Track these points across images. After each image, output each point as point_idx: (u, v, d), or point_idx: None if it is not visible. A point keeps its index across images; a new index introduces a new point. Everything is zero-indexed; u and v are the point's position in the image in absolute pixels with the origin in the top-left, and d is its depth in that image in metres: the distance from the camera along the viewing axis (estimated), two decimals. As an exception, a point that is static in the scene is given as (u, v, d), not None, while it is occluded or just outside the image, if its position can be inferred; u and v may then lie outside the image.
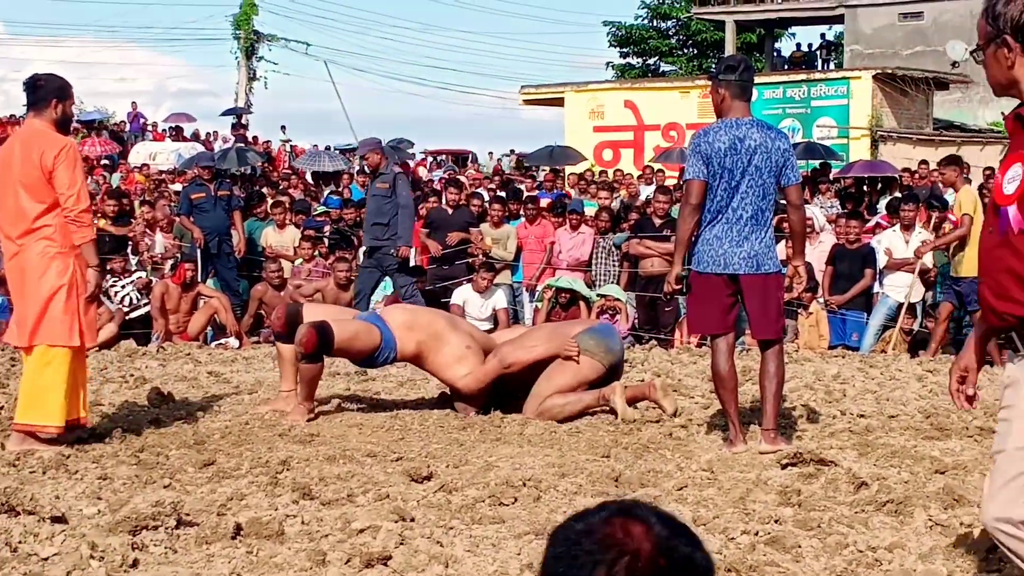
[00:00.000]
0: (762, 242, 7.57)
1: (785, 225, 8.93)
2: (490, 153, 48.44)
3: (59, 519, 5.76)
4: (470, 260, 15.72)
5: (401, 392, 10.19)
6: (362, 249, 15.27)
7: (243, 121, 41.00)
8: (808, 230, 15.26)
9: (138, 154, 33.82)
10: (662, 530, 1.96)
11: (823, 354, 12.86)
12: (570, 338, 8.98)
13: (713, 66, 41.26)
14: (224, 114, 42.33)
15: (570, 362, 8.92)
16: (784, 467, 7.12)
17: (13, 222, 7.86)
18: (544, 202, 18.05)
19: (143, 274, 15.22)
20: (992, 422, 8.46)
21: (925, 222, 14.84)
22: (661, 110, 32.52)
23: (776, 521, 5.96)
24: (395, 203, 13.65)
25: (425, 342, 8.99)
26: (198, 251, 15.17)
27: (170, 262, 15.17)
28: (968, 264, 12.39)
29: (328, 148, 37.49)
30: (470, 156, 47.47)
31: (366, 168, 14.77)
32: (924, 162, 22.38)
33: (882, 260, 14.31)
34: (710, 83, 7.89)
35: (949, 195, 15.90)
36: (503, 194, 19.90)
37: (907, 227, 14.39)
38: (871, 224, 16.18)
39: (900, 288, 14.06)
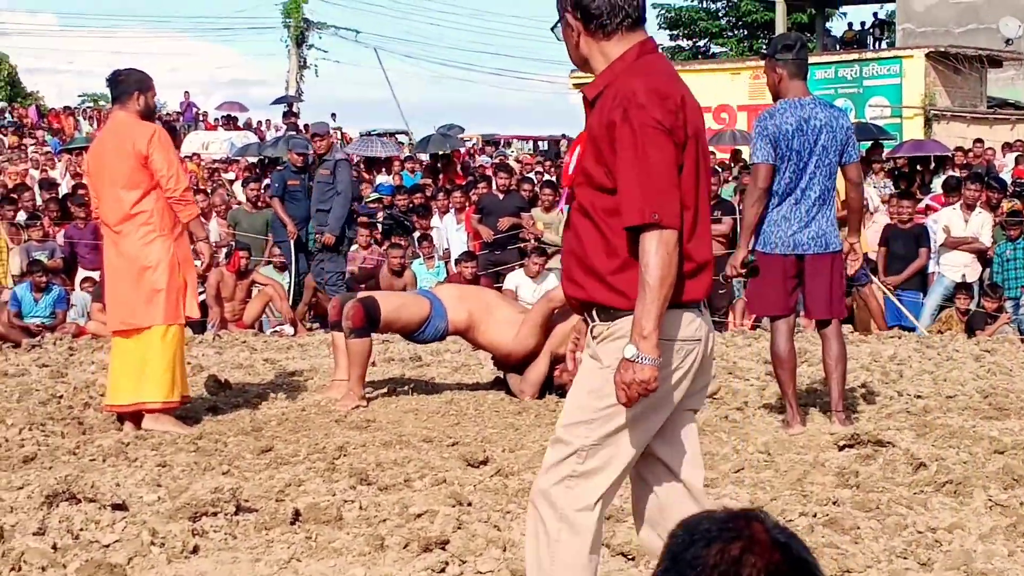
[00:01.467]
0: (828, 221, 7.55)
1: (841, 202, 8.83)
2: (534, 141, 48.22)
3: (119, 506, 5.81)
4: (522, 245, 15.72)
5: (456, 377, 10.21)
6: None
7: (294, 109, 41.10)
8: (863, 210, 15.22)
9: (191, 143, 33.96)
10: (780, 532, 2.00)
11: (879, 335, 12.77)
12: None
13: (766, 46, 40.93)
14: (275, 103, 42.47)
15: None
16: (841, 449, 7.09)
17: (111, 211, 8.23)
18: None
19: (198, 263, 15.28)
20: (1053, 402, 8.42)
21: (984, 202, 14.71)
22: (711, 92, 32.32)
23: (834, 503, 5.94)
24: (334, 189, 13.38)
25: (477, 310, 9.00)
26: (291, 241, 15.22)
27: (224, 250, 15.23)
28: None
29: (380, 134, 37.53)
30: (562, 140, 47.09)
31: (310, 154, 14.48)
32: (979, 140, 22.17)
33: (940, 238, 14.22)
34: (765, 63, 7.80)
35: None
36: (554, 179, 19.88)
37: (968, 206, 14.28)
38: (922, 204, 16.04)
39: (956, 267, 13.96)
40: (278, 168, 17.31)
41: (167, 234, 8.22)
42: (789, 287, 7.65)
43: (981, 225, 14.17)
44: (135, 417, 8.09)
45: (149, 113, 8.56)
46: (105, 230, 8.45)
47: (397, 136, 40.58)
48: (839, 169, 7.61)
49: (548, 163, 26.59)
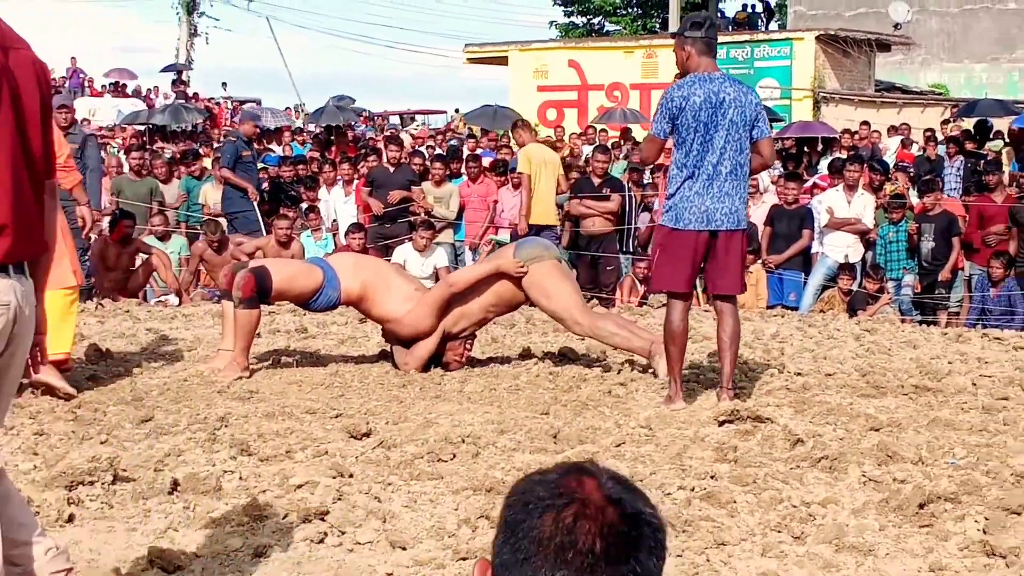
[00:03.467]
0: (740, 197, 7.57)
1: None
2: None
3: (-6, 475, 5.72)
4: (412, 219, 15.69)
5: (342, 349, 10.17)
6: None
7: (183, 78, 40.64)
8: (752, 190, 15.39)
9: (77, 110, 33.47)
10: (614, 486, 2.02)
11: (762, 313, 12.93)
12: (510, 258, 8.99)
13: (659, 25, 41.13)
14: (164, 70, 42.02)
15: (534, 278, 8.91)
16: (721, 424, 7.16)
17: None
18: (486, 161, 18.02)
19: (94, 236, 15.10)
20: (928, 380, 8.58)
21: (867, 184, 14.94)
22: (605, 70, 32.48)
23: (712, 477, 6.01)
24: (83, 165, 13.16)
25: (371, 281, 8.95)
26: (255, 205, 15.29)
27: (108, 219, 15.04)
28: (535, 215, 14.61)
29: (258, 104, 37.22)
30: (447, 115, 46.90)
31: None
32: (865, 123, 22.52)
33: (823, 219, 14.44)
34: (675, 41, 7.80)
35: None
36: (443, 152, 19.87)
37: (851, 187, 14.51)
38: (808, 185, 16.27)
39: (839, 248, 14.19)
40: (229, 139, 17.20)
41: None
42: (696, 264, 7.68)
43: (864, 207, 14.42)
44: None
45: None
46: None
47: (296, 108, 40.35)
48: (751, 145, 7.64)
49: (440, 137, 26.54)
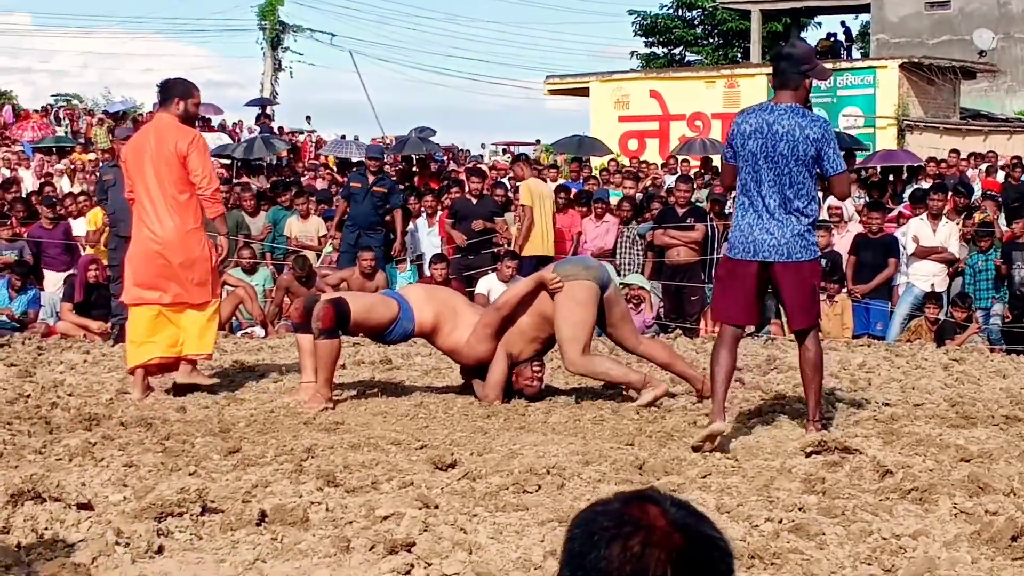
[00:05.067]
0: (793, 231, 7.40)
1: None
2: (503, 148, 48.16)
3: (85, 506, 5.78)
4: (495, 250, 15.73)
5: (426, 380, 10.20)
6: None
7: (268, 111, 41.04)
8: (837, 220, 15.29)
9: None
10: (677, 512, 2.00)
11: (848, 343, 12.83)
12: (549, 273, 9.06)
13: (740, 55, 40.94)
14: (249, 104, 42.40)
15: (562, 295, 8.91)
16: (808, 455, 7.10)
17: (152, 199, 9.43)
18: (572, 192, 18.06)
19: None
20: (1019, 410, 8.46)
21: (952, 210, 14.79)
22: (686, 100, 32.48)
23: (800, 509, 5.95)
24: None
25: (443, 313, 9.03)
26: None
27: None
28: (530, 246, 15.14)
29: (356, 138, 37.49)
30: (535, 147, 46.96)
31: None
32: (954, 151, 22.30)
33: (909, 248, 14.29)
34: None
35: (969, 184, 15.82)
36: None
37: (935, 216, 14.36)
38: (893, 214, 16.11)
39: (925, 277, 14.04)
40: (354, 170, 17.58)
41: (200, 227, 9.51)
42: (750, 296, 7.62)
43: (948, 235, 14.26)
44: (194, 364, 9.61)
45: (189, 118, 9.69)
46: (140, 214, 9.55)
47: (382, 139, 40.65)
48: (824, 181, 7.64)
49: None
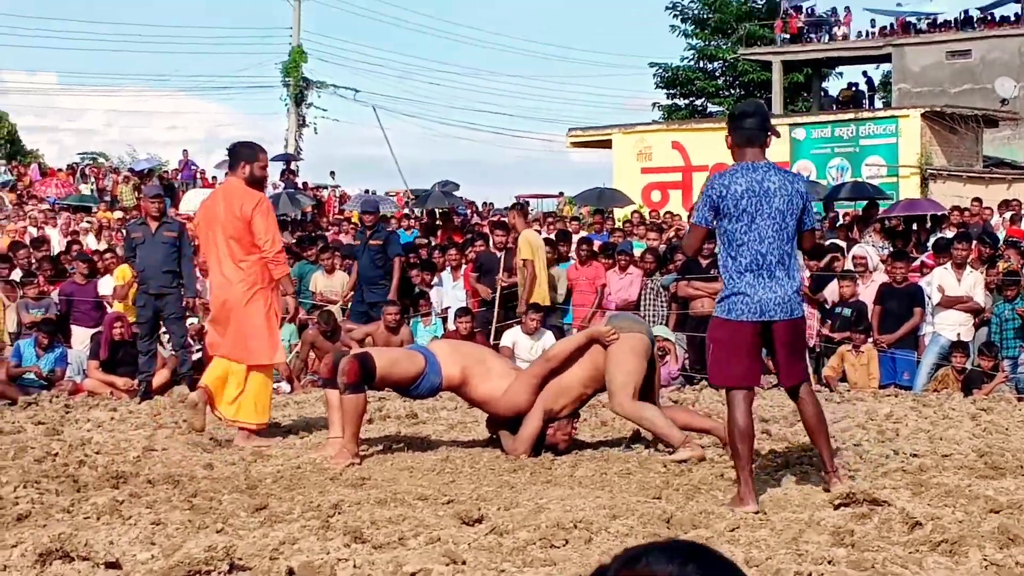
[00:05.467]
0: (792, 287, 7.35)
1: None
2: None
3: (113, 564, 5.79)
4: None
5: (452, 435, 10.21)
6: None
7: (292, 167, 41.27)
8: (862, 269, 15.28)
9: (189, 201, 34.07)
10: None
11: (875, 393, 12.80)
12: (602, 327, 9.12)
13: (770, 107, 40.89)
14: (273, 160, 42.62)
15: (616, 345, 8.96)
16: (837, 507, 7.07)
17: (220, 261, 9.96)
18: (596, 244, 18.09)
19: (195, 320, 15.33)
20: (1048, 462, 8.41)
21: (976, 259, 14.76)
22: (709, 150, 32.51)
23: (829, 562, 5.92)
24: (179, 254, 13.43)
25: (470, 367, 9.04)
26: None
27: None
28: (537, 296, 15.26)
29: (374, 192, 37.68)
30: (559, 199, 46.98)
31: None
32: (977, 199, 22.28)
33: (935, 298, 14.26)
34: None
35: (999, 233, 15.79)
36: (551, 236, 19.95)
37: (959, 265, 14.34)
38: (916, 263, 16.06)
39: (951, 326, 14.01)
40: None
41: (266, 287, 9.98)
42: (754, 357, 7.45)
43: (974, 284, 14.23)
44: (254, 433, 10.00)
45: (255, 180, 10.12)
46: (212, 278, 10.27)
47: (404, 195, 40.82)
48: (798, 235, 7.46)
49: (548, 220, 26.65)
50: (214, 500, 7.51)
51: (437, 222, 25.66)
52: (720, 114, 50.56)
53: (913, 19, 46.43)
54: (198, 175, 41.33)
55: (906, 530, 6.52)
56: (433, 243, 21.17)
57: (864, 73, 48.39)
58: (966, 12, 45.26)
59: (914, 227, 20.57)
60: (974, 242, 15.27)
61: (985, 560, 5.92)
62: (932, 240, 18.10)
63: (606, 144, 34.99)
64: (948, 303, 14.16)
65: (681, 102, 55.38)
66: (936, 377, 13.65)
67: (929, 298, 14.40)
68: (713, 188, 7.29)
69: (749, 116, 7.44)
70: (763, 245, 7.27)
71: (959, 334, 13.92)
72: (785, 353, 7.46)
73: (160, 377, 13.38)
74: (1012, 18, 43.75)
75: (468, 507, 7.13)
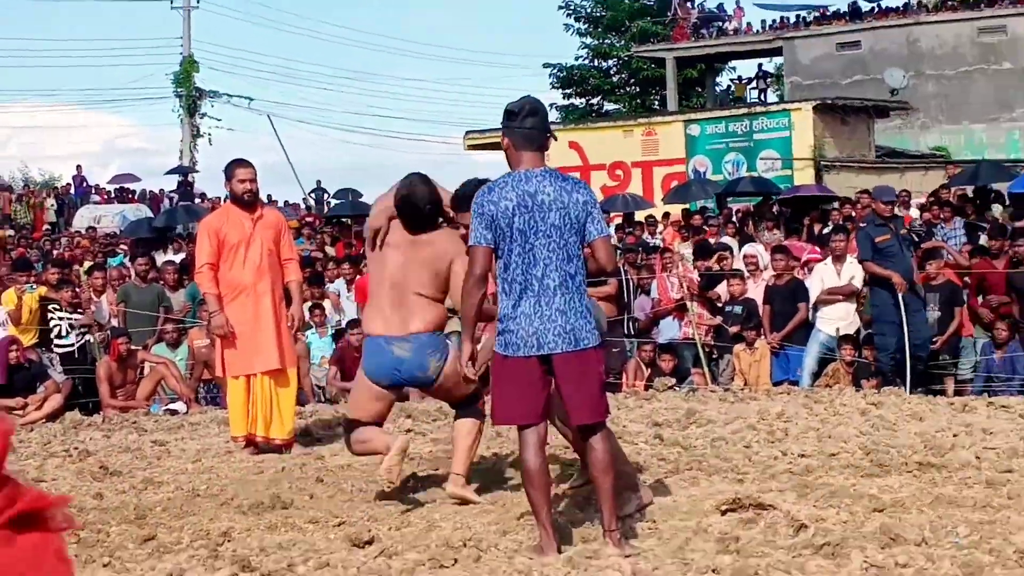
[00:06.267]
0: (577, 313, 6.46)
1: None
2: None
3: (-5, 606, 5.71)
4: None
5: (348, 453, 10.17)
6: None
7: (189, 179, 40.93)
8: (752, 268, 15.43)
9: (83, 218, 33.74)
10: None
11: (768, 391, 12.93)
12: None
13: (657, 103, 41.12)
14: (169, 173, 42.29)
15: None
16: (724, 513, 7.14)
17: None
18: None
19: (90, 338, 15.20)
20: (932, 456, 8.57)
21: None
22: (606, 149, 32.73)
23: (714, 571, 5.98)
24: None
25: None
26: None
27: (102, 337, 15.13)
28: None
29: (274, 201, 37.49)
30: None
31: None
32: (865, 191, 22.50)
33: (814, 294, 14.41)
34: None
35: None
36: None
37: (838, 258, 14.49)
38: (803, 261, 16.11)
39: (832, 320, 14.14)
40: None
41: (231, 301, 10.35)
42: (538, 391, 6.52)
43: (852, 274, 14.33)
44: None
45: (236, 198, 10.47)
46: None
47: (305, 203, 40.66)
48: (585, 249, 6.59)
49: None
50: (102, 532, 7.43)
51: (336, 233, 25.56)
52: (616, 112, 50.92)
53: (803, 12, 46.97)
54: (91, 190, 40.84)
55: (791, 533, 6.61)
56: (331, 255, 21.11)
57: (760, 66, 48.89)
58: (854, 3, 45.83)
59: (805, 221, 20.76)
60: (851, 234, 15.51)
61: (866, 562, 6.01)
62: (826, 231, 18.29)
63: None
64: (827, 294, 14.28)
65: (578, 101, 55.60)
66: (827, 372, 13.82)
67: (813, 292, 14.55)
68: (483, 206, 6.46)
69: (530, 113, 6.61)
70: (539, 268, 6.42)
71: (838, 328, 14.03)
72: (571, 389, 6.51)
73: (52, 403, 13.20)
74: (900, 8, 44.37)
75: (359, 529, 7.13)
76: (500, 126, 6.76)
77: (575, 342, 6.42)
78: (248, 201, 10.44)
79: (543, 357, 6.44)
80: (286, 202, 42.28)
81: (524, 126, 6.56)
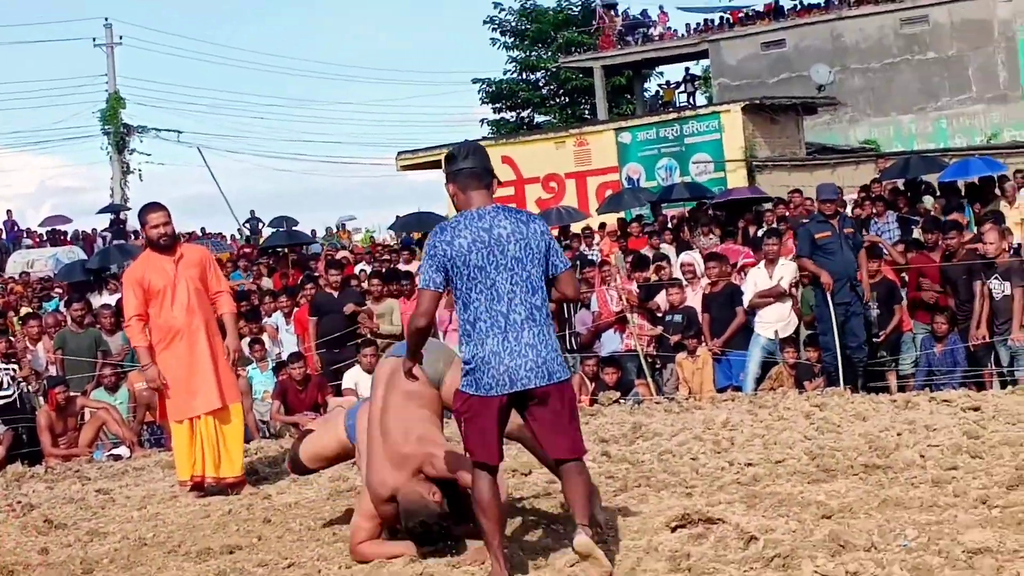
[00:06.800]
0: (547, 346, 6.37)
1: None
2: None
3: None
4: (360, 341, 15.60)
5: (296, 489, 10.09)
6: None
7: (121, 216, 40.61)
8: (690, 276, 15.44)
9: (15, 263, 33.36)
10: None
11: (713, 399, 12.95)
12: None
13: (588, 112, 41.17)
14: (101, 211, 41.93)
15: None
16: (674, 530, 7.12)
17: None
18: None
19: (27, 388, 15.05)
20: (877, 457, 8.59)
21: (789, 253, 14.98)
22: (538, 163, 32.73)
23: (666, 591, 5.97)
24: None
25: None
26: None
27: (35, 386, 14.98)
28: None
29: (207, 234, 37.29)
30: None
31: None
32: (797, 191, 22.61)
33: (747, 297, 14.44)
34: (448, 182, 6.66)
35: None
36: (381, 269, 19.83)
37: (771, 261, 14.52)
38: (738, 267, 16.13)
39: (770, 324, 14.16)
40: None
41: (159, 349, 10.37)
42: (500, 430, 6.42)
43: (783, 276, 14.35)
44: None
45: (152, 244, 10.48)
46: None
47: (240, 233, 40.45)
48: (547, 282, 6.51)
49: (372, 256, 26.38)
50: (49, 590, 7.34)
51: (272, 263, 25.41)
52: (547, 123, 50.99)
53: (725, 14, 47.22)
54: (24, 234, 40.41)
55: (741, 547, 6.60)
56: (267, 286, 20.98)
57: (687, 70, 49.06)
58: (777, 2, 46.12)
59: (740, 224, 20.82)
60: (784, 236, 15.57)
61: (816, 571, 6.02)
62: (760, 233, 18.33)
63: (437, 164, 35.01)
64: (758, 297, 14.30)
65: (508, 115, 55.62)
66: (771, 376, 13.85)
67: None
68: (435, 248, 6.35)
69: (468, 156, 6.60)
70: (503, 303, 6.32)
71: (776, 331, 14.07)
72: (546, 424, 6.42)
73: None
74: (821, 4, 44.66)
75: (309, 571, 7.07)
76: (444, 174, 6.69)
77: (548, 376, 6.33)
78: (165, 244, 10.39)
79: (514, 394, 6.32)
80: (219, 234, 42.04)
81: (466, 166, 6.50)
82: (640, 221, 24.01)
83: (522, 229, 6.38)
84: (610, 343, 15.52)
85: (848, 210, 19.86)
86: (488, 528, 6.36)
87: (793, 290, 14.35)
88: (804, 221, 15.98)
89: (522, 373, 6.26)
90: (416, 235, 29.47)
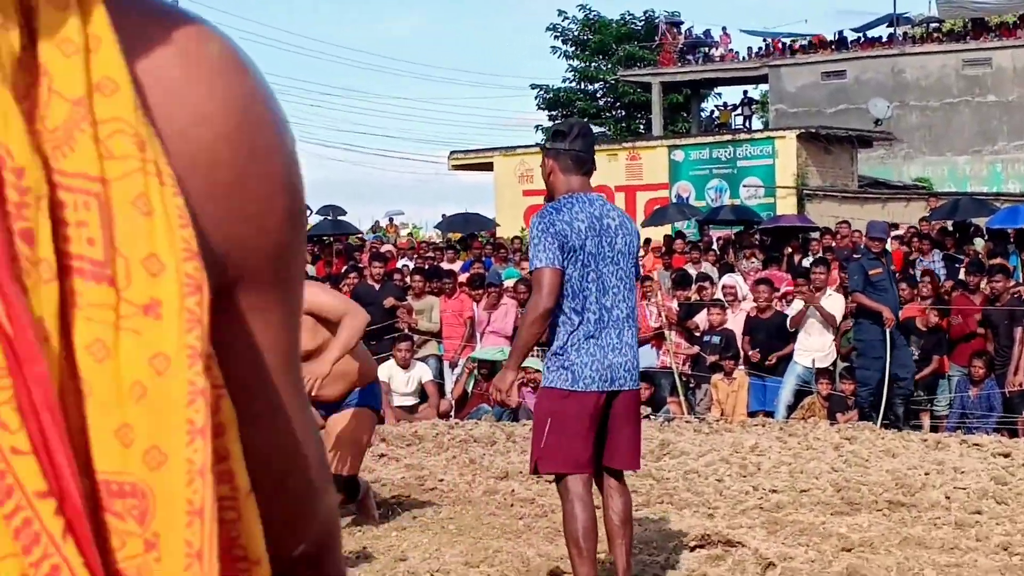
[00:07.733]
0: (635, 348, 6.12)
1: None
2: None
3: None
4: (396, 335, 15.65)
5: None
6: None
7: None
8: (731, 298, 15.44)
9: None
10: None
11: (743, 423, 12.93)
12: None
13: (643, 127, 40.92)
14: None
15: None
16: (693, 549, 7.15)
17: None
18: (462, 277, 18.01)
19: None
20: (902, 494, 8.58)
21: (837, 284, 14.94)
22: (590, 173, 32.68)
23: (680, 610, 5.99)
24: None
25: None
26: None
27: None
28: None
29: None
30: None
31: None
32: (845, 223, 22.53)
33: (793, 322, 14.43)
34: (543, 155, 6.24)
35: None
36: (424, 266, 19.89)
37: (818, 289, 14.49)
38: (780, 293, 16.09)
39: (808, 352, 14.13)
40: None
41: None
42: (593, 433, 5.93)
43: (832, 307, 14.33)
44: None
45: None
46: None
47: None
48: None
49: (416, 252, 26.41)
50: None
51: (317, 251, 25.50)
52: (602, 135, 51.00)
53: (788, 40, 47.16)
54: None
55: (759, 571, 6.62)
56: (311, 273, 21.05)
57: (745, 93, 49.03)
58: (840, 33, 46.07)
59: (785, 251, 20.78)
60: (832, 267, 15.53)
61: (832, 603, 6.03)
62: (805, 262, 18.31)
63: (488, 166, 35.06)
64: (795, 322, 14.33)
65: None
66: (803, 405, 13.82)
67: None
68: (555, 226, 5.81)
69: (577, 137, 6.07)
70: (608, 297, 5.93)
71: (814, 360, 14.03)
72: (622, 430, 6.02)
73: None
74: (884, 39, 44.59)
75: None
76: (544, 147, 6.35)
77: (635, 380, 6.08)
78: None
79: (609, 395, 5.93)
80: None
81: (574, 148, 6.00)
82: (684, 237, 23.97)
83: (626, 224, 6.09)
84: (646, 358, 15.50)
85: (890, 245, 19.84)
86: (575, 556, 5.93)
87: (848, 322, 14.34)
88: (856, 256, 15.92)
89: (620, 372, 5.92)
90: (454, 236, 29.51)
